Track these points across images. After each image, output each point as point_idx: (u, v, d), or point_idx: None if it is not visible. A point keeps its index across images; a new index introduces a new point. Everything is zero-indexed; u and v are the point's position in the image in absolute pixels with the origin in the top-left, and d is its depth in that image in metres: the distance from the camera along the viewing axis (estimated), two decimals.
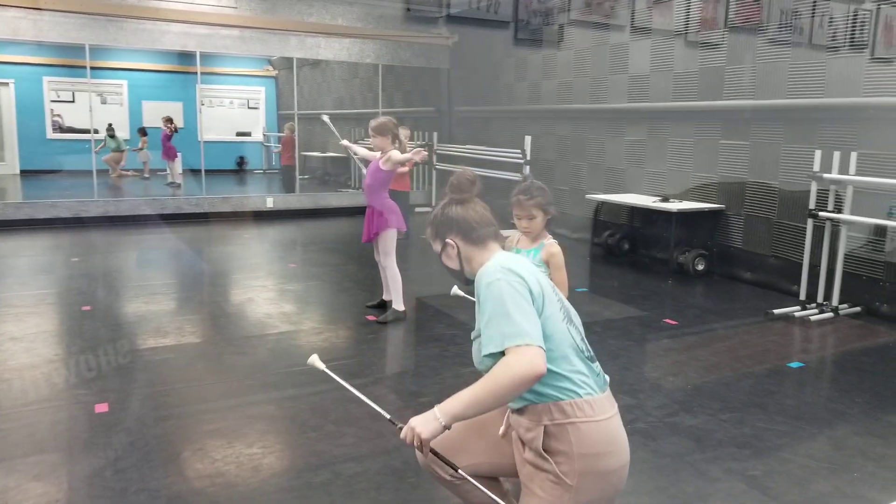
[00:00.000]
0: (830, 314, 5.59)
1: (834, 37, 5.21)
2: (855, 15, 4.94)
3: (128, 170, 14.35)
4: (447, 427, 1.61)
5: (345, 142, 5.83)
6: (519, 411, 1.75)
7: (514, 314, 1.58)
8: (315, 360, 2.14)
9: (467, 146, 10.60)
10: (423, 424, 1.63)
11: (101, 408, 3.66)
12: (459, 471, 1.74)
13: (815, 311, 5.63)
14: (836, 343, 5.20)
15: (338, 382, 2.09)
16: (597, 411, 1.68)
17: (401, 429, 1.70)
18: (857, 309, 5.67)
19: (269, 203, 10.64)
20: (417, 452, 1.84)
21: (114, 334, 4.93)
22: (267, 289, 6.37)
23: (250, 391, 4.00)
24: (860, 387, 4.21)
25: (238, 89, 16.33)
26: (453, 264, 1.86)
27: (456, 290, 3.03)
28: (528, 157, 8.79)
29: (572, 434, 1.65)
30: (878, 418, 3.75)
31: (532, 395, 1.67)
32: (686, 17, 6.81)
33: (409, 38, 11.15)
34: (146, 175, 14.34)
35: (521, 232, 3.05)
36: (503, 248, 1.88)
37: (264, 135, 16.34)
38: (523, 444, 1.75)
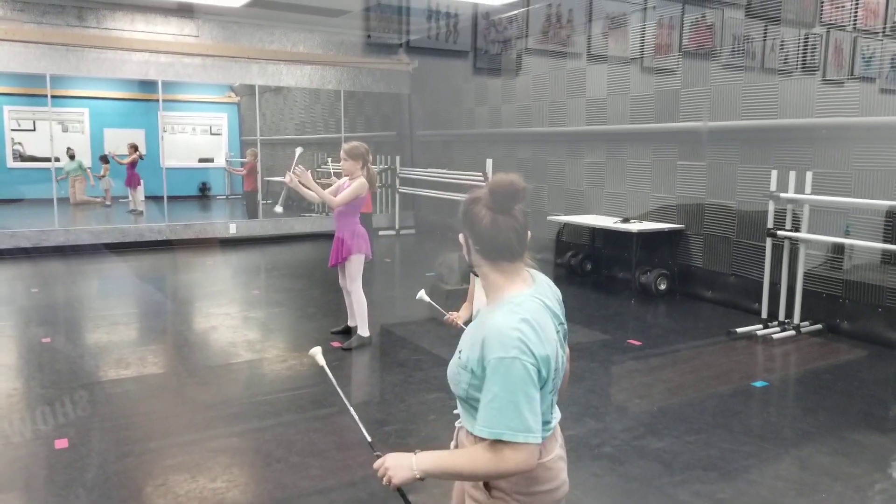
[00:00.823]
0: (792, 332, 5.69)
1: (786, 60, 5.38)
2: (806, 39, 5.12)
3: (95, 196, 14.11)
4: (420, 479, 1.55)
5: (288, 177, 5.11)
6: (465, 438, 1.67)
7: (523, 406, 1.47)
8: (317, 354, 1.97)
9: (429, 169, 10.66)
10: (397, 468, 1.56)
11: (61, 443, 3.55)
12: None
13: (777, 329, 5.72)
14: (798, 361, 5.28)
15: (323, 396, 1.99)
16: (543, 456, 1.62)
17: (378, 457, 1.63)
18: (819, 326, 5.78)
19: (233, 229, 10.52)
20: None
21: (74, 367, 4.79)
22: (230, 316, 6.26)
23: (214, 423, 3.90)
24: (824, 405, 4.27)
25: (200, 116, 16.23)
26: (465, 258, 1.67)
27: (422, 294, 2.98)
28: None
29: (518, 476, 1.59)
30: (844, 437, 3.80)
31: (480, 432, 1.58)
32: (641, 42, 6.98)
33: (369, 64, 11.23)
34: (108, 203, 14.10)
35: None
36: (526, 264, 1.64)
37: (227, 160, 16.21)
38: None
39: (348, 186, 5.01)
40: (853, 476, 3.34)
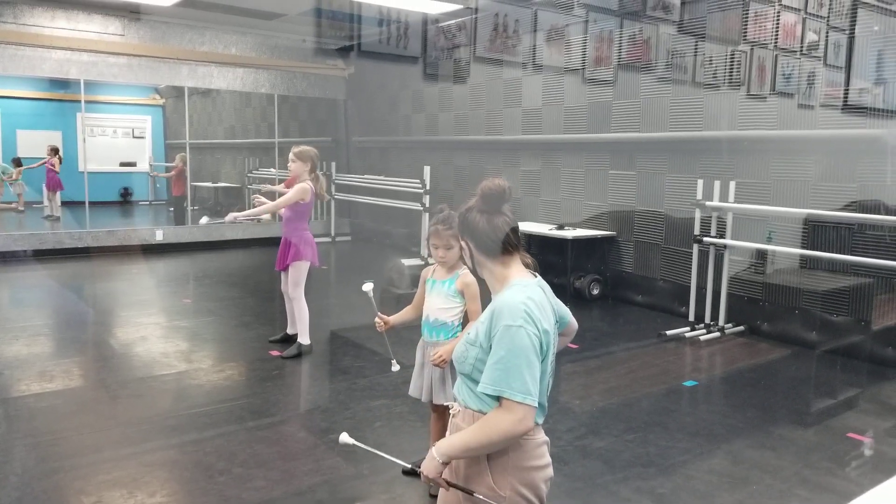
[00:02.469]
0: (717, 334, 5.96)
1: (714, 75, 5.65)
2: (732, 55, 5.39)
3: (7, 202, 13.33)
4: (445, 463, 1.75)
5: (230, 217, 4.98)
6: (463, 418, 1.81)
7: (524, 369, 1.66)
8: (345, 438, 2.08)
9: (366, 176, 10.62)
10: (426, 467, 1.78)
11: None
12: (476, 494, 1.79)
13: (704, 331, 5.98)
14: (724, 361, 5.53)
15: (365, 451, 2.09)
16: (536, 434, 1.79)
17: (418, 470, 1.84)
18: (742, 328, 6.08)
19: (159, 236, 10.16)
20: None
21: None
22: (160, 326, 6.05)
23: (149, 436, 3.76)
24: (750, 402, 4.49)
25: (122, 118, 15.59)
26: (468, 264, 1.92)
27: (368, 287, 2.98)
28: (428, 187, 8.90)
29: (511, 448, 1.74)
30: (770, 431, 4.01)
31: (486, 408, 1.74)
32: (578, 54, 7.17)
33: (304, 68, 11.09)
34: (20, 208, 13.35)
35: (436, 261, 3.06)
36: (526, 264, 1.86)
37: (151, 165, 15.65)
38: (458, 461, 1.82)
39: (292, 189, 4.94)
40: (780, 468, 3.53)
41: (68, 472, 3.31)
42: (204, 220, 6.06)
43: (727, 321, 6.05)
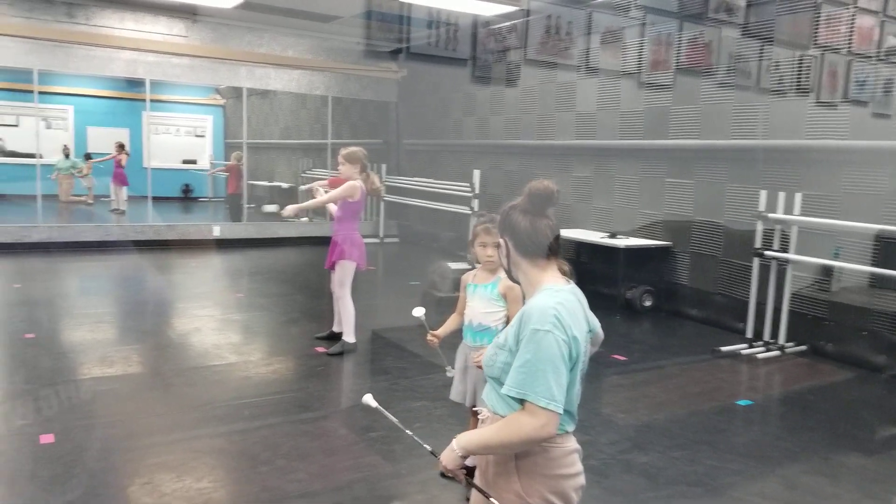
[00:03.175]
0: (777, 352, 5.71)
1: (780, 81, 5.43)
2: (800, 60, 5.16)
3: (78, 195, 13.92)
4: (463, 457, 1.75)
5: (287, 211, 5.13)
6: (493, 423, 1.77)
7: (549, 374, 1.62)
8: (369, 399, 2.10)
9: (415, 178, 10.65)
10: (445, 457, 1.79)
11: (47, 439, 3.49)
12: (492, 498, 1.78)
13: (762, 349, 5.74)
14: (783, 381, 5.31)
15: (383, 417, 2.06)
16: (566, 442, 1.75)
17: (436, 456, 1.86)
18: (803, 347, 5.81)
19: (217, 231, 10.41)
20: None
21: (58, 363, 4.71)
22: (214, 318, 6.18)
23: (199, 424, 3.84)
24: (807, 425, 4.28)
25: (185, 117, 16.11)
26: (503, 263, 1.89)
27: (420, 312, 2.96)
28: (477, 191, 8.87)
29: (540, 455, 1.71)
30: (827, 458, 3.81)
31: (513, 412, 1.70)
32: (635, 57, 7.02)
33: (357, 70, 11.22)
34: (90, 201, 13.92)
35: (483, 261, 3.01)
36: (563, 271, 1.83)
37: (211, 163, 16.08)
38: (487, 467, 1.81)
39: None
40: (836, 496, 3.35)
41: (123, 453, 3.41)
42: (272, 207, 6.22)
43: (788, 339, 5.80)
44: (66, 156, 13.70)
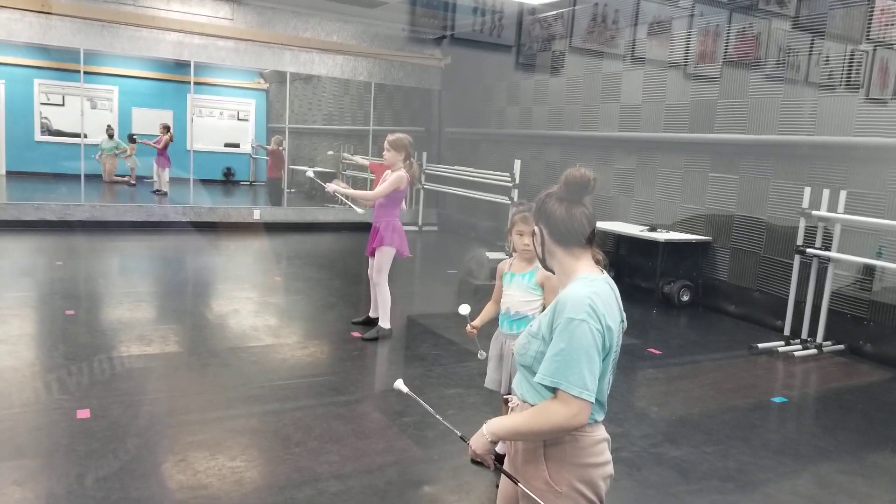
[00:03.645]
0: (814, 351, 5.62)
1: (830, 76, 5.29)
2: (851, 55, 5.02)
3: (121, 175, 14.28)
4: (493, 442, 1.77)
5: (332, 186, 5.18)
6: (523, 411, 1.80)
7: (583, 363, 1.63)
8: (400, 385, 2.14)
9: (456, 167, 10.65)
10: (475, 442, 1.80)
11: (83, 414, 3.59)
12: (520, 485, 1.80)
13: (800, 346, 5.66)
14: (819, 380, 5.22)
15: (415, 401, 2.10)
16: (595, 431, 1.76)
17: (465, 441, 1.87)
18: (841, 347, 5.71)
19: (256, 215, 10.59)
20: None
21: (97, 340, 4.85)
22: (252, 301, 6.31)
23: (234, 404, 3.93)
24: (843, 425, 4.22)
25: (228, 100, 16.33)
26: (538, 252, 1.88)
27: (465, 310, 2.93)
28: (517, 181, 8.84)
29: (569, 444, 1.72)
30: (862, 457, 3.76)
31: (544, 400, 1.72)
32: (682, 49, 6.91)
33: (402, 57, 11.23)
34: (133, 182, 14.25)
35: (520, 249, 3.03)
36: (597, 260, 1.82)
37: (254, 147, 16.32)
38: (516, 455, 1.83)
39: (386, 178, 5.01)
40: (870, 497, 3.30)
41: (158, 430, 3.51)
42: (310, 172, 6.26)
43: (826, 338, 5.69)
44: (110, 136, 14.02)
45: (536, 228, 1.84)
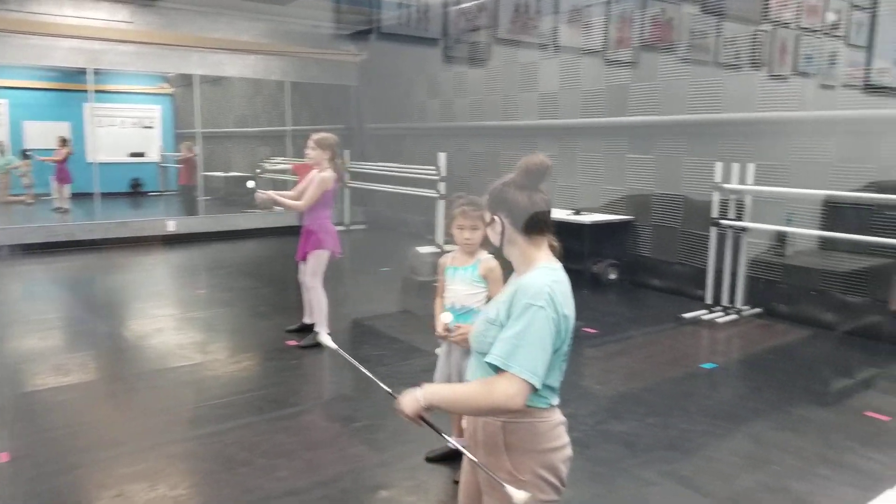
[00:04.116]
0: (735, 316, 5.90)
1: (736, 56, 5.54)
2: (754, 36, 5.28)
3: (16, 195, 13.37)
4: (427, 408, 1.75)
5: (261, 195, 5.08)
6: None
7: (536, 348, 1.66)
8: (326, 340, 2.21)
9: (380, 163, 10.54)
10: (406, 402, 1.76)
11: (2, 458, 3.33)
12: (443, 434, 1.85)
13: (721, 313, 5.93)
14: (742, 344, 5.49)
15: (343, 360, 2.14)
16: (552, 416, 1.81)
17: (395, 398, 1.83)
18: (759, 310, 6.02)
19: (172, 226, 10.15)
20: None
21: (9, 375, 4.51)
22: (175, 318, 6.05)
23: (169, 428, 3.75)
24: (769, 384, 4.46)
25: (131, 108, 15.59)
26: (495, 239, 1.86)
27: (447, 317, 2.90)
28: (443, 174, 8.83)
29: (528, 431, 1.76)
30: (790, 412, 3.99)
31: None
32: (597, 36, 7.04)
33: (316, 54, 10.99)
34: (30, 201, 13.40)
35: (460, 244, 3.01)
36: (553, 247, 1.84)
37: (161, 155, 15.64)
38: (476, 449, 1.84)
39: (312, 181, 4.88)
40: (801, 448, 3.51)
41: (88, 466, 3.30)
42: (251, 183, 6.03)
43: (745, 303, 5.99)
44: (1, 153, 13.12)
45: (495, 218, 1.82)
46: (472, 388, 1.72)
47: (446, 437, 1.83)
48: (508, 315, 1.70)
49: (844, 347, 5.30)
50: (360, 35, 9.64)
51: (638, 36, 5.15)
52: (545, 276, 1.74)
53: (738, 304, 5.97)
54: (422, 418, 1.78)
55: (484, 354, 1.76)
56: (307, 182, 4.95)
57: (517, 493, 1.65)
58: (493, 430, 1.78)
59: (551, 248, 1.83)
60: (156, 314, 6.18)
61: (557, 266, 1.80)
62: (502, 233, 1.82)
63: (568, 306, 1.74)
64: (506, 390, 1.63)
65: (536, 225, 1.79)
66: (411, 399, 1.76)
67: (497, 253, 1.92)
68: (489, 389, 1.66)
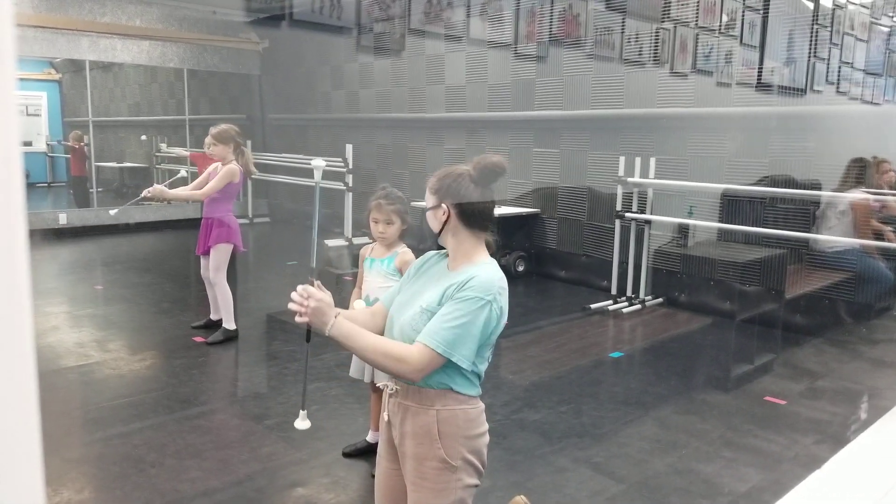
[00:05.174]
0: (639, 306, 6.16)
1: (639, 52, 5.78)
2: (656, 33, 5.53)
3: None
4: (326, 336, 1.70)
5: (149, 191, 4.70)
6: (407, 395, 1.82)
7: (477, 340, 1.73)
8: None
9: (284, 155, 10.30)
10: (316, 313, 1.70)
11: None
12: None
13: (626, 304, 6.18)
14: (646, 332, 5.74)
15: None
16: (479, 403, 1.88)
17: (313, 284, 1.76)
18: (662, 300, 6.31)
19: (62, 219, 9.56)
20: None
21: None
22: (71, 315, 5.70)
23: (70, 431, 3.55)
24: (673, 370, 4.69)
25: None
26: (434, 226, 1.87)
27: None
28: (351, 166, 8.74)
29: (462, 418, 1.80)
30: (693, 398, 4.20)
31: (433, 382, 1.77)
32: (503, 30, 7.16)
33: (214, 41, 10.60)
34: None
35: (376, 237, 2.99)
36: (488, 244, 1.88)
37: (48, 144, 14.65)
38: (403, 440, 1.85)
39: (216, 172, 4.70)
40: (705, 431, 3.70)
41: None
42: (113, 211, 5.70)
43: (648, 294, 6.26)
44: None
45: (443, 205, 1.83)
46: (391, 348, 1.72)
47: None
48: (445, 297, 1.75)
49: (742, 335, 5.61)
50: (263, 22, 9.38)
51: (545, 31, 5.28)
52: (495, 271, 1.81)
53: (642, 294, 6.24)
54: (308, 332, 1.82)
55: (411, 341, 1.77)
56: (209, 173, 4.77)
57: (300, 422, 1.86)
58: (427, 420, 1.80)
59: (487, 245, 1.88)
60: (49, 311, 5.80)
61: (495, 262, 1.87)
62: (446, 222, 1.84)
63: (505, 301, 1.83)
64: (420, 363, 1.68)
65: (482, 222, 1.84)
66: (321, 318, 1.69)
67: (429, 237, 1.93)
68: (405, 356, 1.69)
